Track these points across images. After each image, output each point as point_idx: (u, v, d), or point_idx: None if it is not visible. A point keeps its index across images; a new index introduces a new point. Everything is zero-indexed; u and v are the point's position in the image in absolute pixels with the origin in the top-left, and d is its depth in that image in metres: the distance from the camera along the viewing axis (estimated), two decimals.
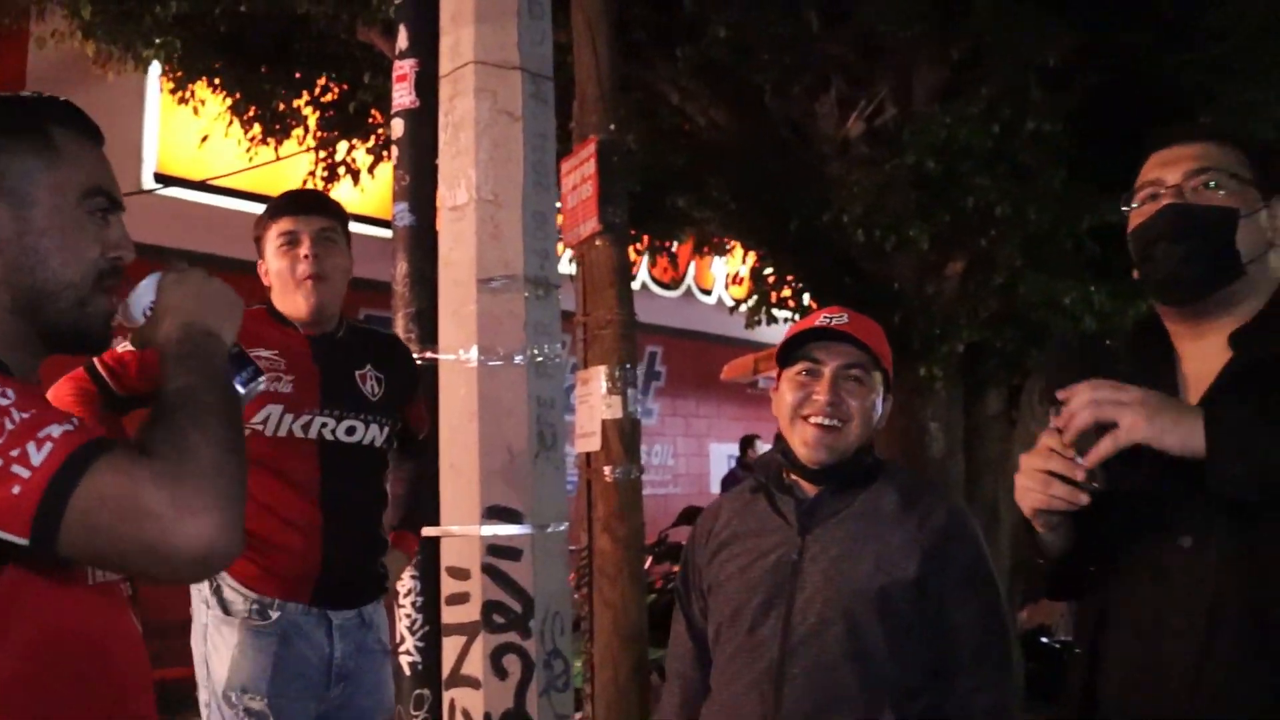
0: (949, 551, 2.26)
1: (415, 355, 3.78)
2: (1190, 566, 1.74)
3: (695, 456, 15.22)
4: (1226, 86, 6.75)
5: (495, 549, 3.70)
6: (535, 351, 3.85)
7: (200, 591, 2.91)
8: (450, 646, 3.73)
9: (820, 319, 2.34)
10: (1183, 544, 1.75)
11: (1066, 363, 1.87)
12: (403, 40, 4.17)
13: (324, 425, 2.96)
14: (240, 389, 1.65)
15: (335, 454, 2.97)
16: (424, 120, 4.13)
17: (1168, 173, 1.86)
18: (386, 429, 3.12)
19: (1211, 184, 1.83)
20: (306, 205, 3.07)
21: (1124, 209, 1.95)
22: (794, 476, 2.37)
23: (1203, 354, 1.84)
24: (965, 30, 6.13)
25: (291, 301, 2.99)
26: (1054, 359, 1.85)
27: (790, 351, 2.35)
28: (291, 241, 2.98)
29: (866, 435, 2.33)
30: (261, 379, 1.72)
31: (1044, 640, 7.77)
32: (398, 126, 4.18)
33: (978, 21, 6.00)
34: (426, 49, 4.14)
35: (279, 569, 2.88)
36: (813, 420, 2.28)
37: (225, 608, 2.87)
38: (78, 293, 1.51)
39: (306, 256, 2.96)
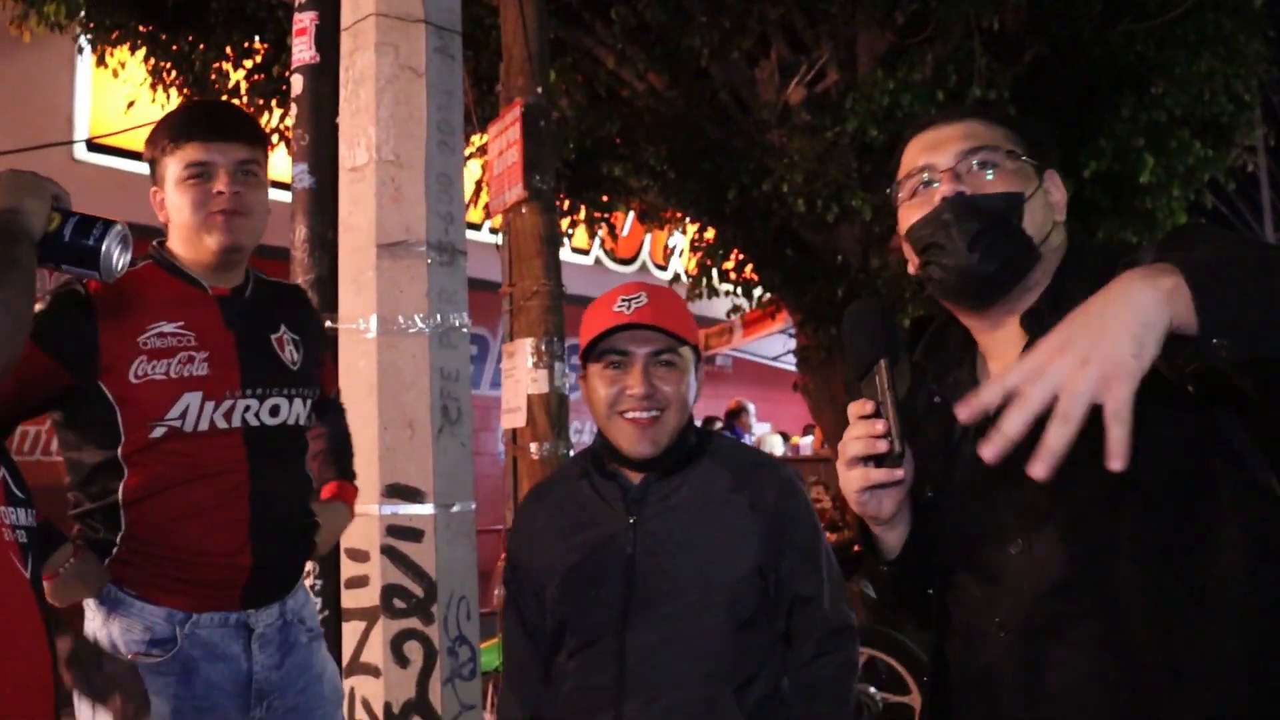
0: (787, 533, 2.23)
1: None
2: (1017, 572, 1.61)
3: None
4: (1177, 57, 6.63)
5: (395, 530, 3.50)
6: (439, 320, 3.65)
7: (93, 617, 2.38)
8: (349, 633, 3.54)
9: (618, 304, 2.22)
10: (1011, 550, 1.62)
11: (866, 332, 1.64)
12: None
13: (247, 409, 2.41)
14: (100, 245, 1.74)
15: (260, 440, 2.43)
16: (325, 76, 3.90)
17: (938, 156, 1.66)
18: (309, 402, 2.57)
19: (988, 165, 1.64)
20: (223, 129, 2.42)
21: (893, 200, 1.75)
22: (614, 464, 2.29)
23: (1003, 346, 1.68)
24: None
25: (196, 243, 2.39)
26: (852, 333, 1.64)
27: (592, 346, 2.24)
28: (203, 174, 2.37)
29: (685, 416, 2.27)
30: (116, 225, 1.74)
31: None
32: (297, 83, 3.95)
33: None
34: (327, 2, 3.91)
35: (199, 577, 2.36)
36: (629, 415, 2.21)
37: (112, 643, 2.35)
38: None
39: (221, 193, 2.36)
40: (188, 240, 2.40)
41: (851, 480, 1.62)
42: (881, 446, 1.57)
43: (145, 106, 7.96)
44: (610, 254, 14.73)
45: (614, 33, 6.38)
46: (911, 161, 1.72)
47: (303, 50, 3.93)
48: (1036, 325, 1.59)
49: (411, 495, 3.53)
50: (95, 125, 9.68)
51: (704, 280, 7.47)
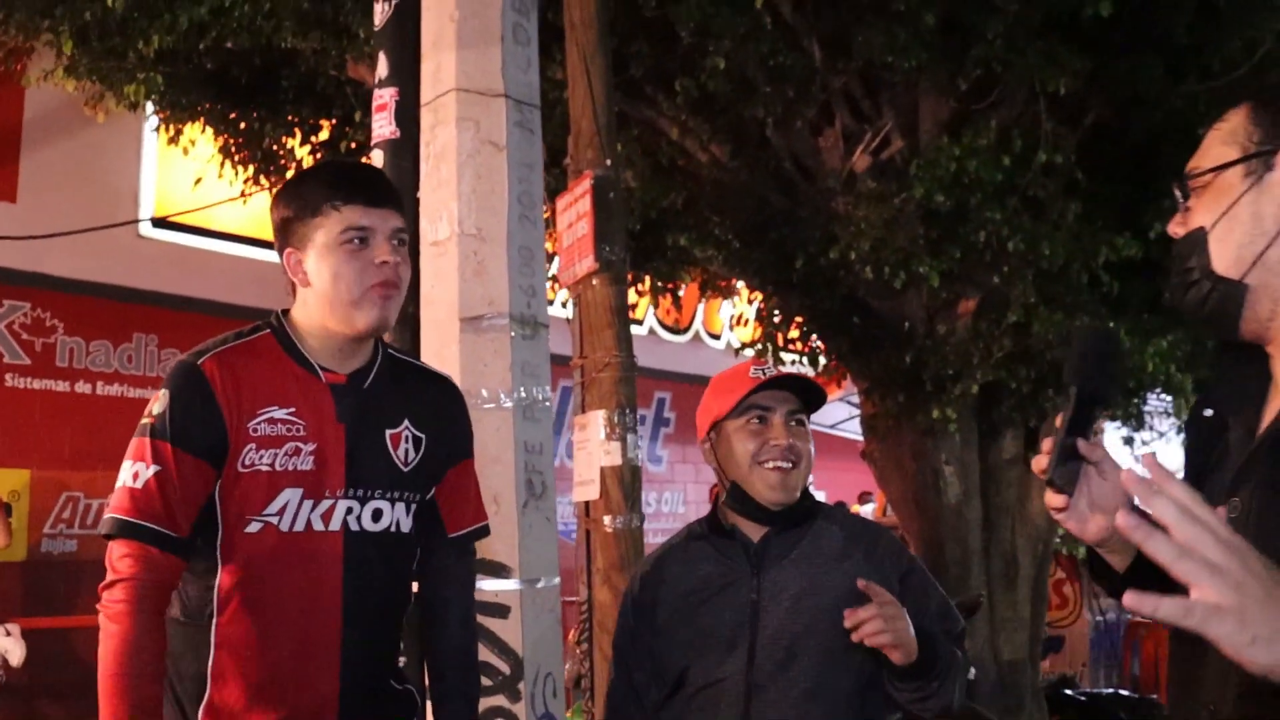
0: (906, 576, 2.45)
1: None
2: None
3: (705, 504, 14.92)
4: None
5: (482, 606, 3.45)
6: (523, 394, 3.64)
7: None
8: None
9: (753, 370, 2.48)
10: None
11: (1074, 354, 1.58)
12: (382, 68, 3.96)
13: (348, 511, 2.24)
14: None
15: (360, 546, 2.26)
16: (404, 151, 3.92)
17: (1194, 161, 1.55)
18: (415, 506, 2.36)
19: (1192, 193, 1.54)
20: (382, 193, 2.27)
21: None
22: (734, 520, 2.50)
23: None
24: (972, 59, 5.93)
25: (341, 316, 2.20)
26: (1079, 349, 1.59)
27: (738, 403, 2.47)
28: (363, 240, 2.18)
29: (810, 473, 2.50)
30: None
31: (1067, 692, 7.47)
32: (377, 158, 3.97)
33: (986, 50, 5.81)
34: (407, 76, 3.94)
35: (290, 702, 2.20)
36: (771, 465, 2.42)
37: None
38: None
39: (385, 263, 2.18)
40: (331, 311, 2.22)
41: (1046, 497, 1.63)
42: (1042, 464, 1.58)
43: (211, 183, 8.10)
44: (662, 323, 14.77)
45: (677, 104, 6.41)
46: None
47: (383, 125, 3.95)
48: None
49: (497, 570, 3.50)
50: (160, 202, 9.87)
51: (768, 349, 7.42)
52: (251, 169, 7.61)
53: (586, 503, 5.15)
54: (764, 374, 2.47)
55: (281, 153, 7.43)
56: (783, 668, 2.34)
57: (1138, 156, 6.64)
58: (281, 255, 2.27)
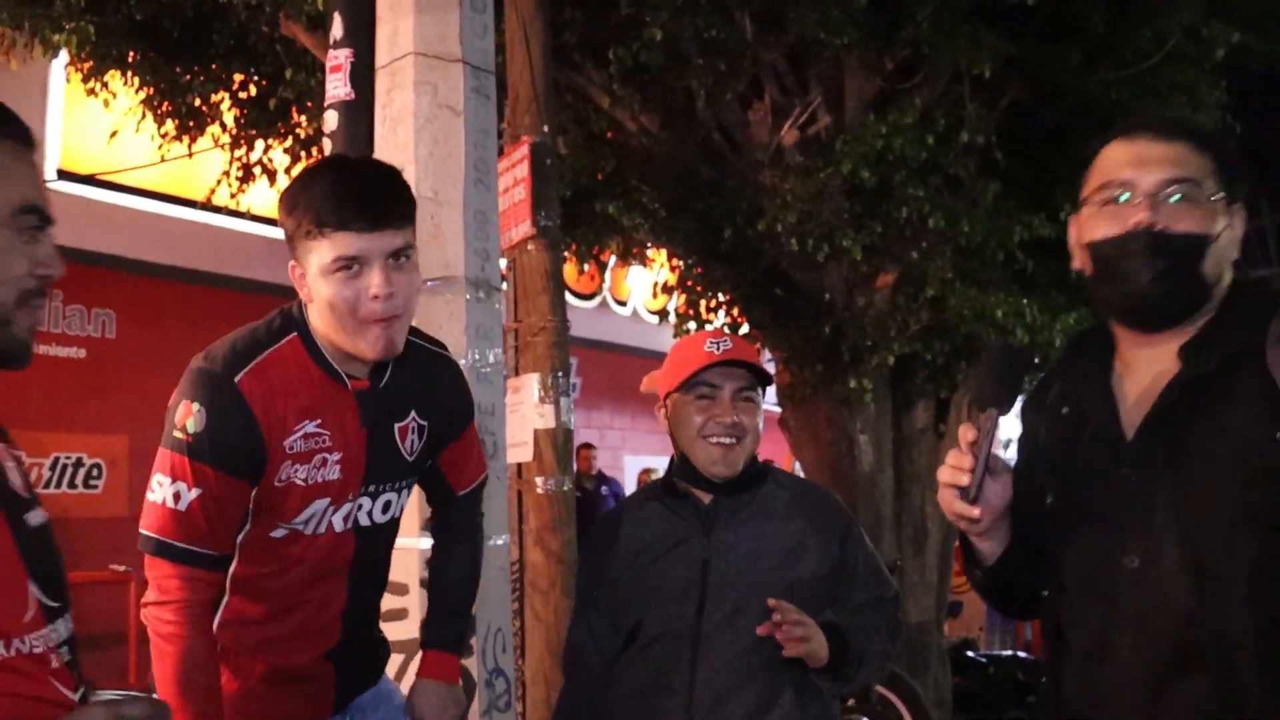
0: (844, 541, 2.58)
1: None
2: (1135, 589, 1.69)
3: (610, 469, 15.02)
4: (1149, 103, 6.84)
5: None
6: (476, 356, 3.70)
7: None
8: (389, 665, 3.55)
9: (708, 344, 2.58)
10: (1127, 564, 1.70)
11: (992, 374, 1.81)
12: (337, 29, 3.97)
13: (360, 508, 2.28)
14: None
15: (369, 537, 2.33)
16: (359, 113, 3.94)
17: (1141, 176, 1.74)
18: (410, 488, 2.44)
19: (1186, 200, 1.73)
20: (379, 214, 2.08)
21: (1082, 202, 1.86)
22: (686, 485, 2.62)
23: (1148, 363, 1.78)
24: (900, 39, 6.10)
25: (350, 343, 2.13)
26: (982, 368, 1.80)
27: (686, 379, 2.56)
28: (356, 269, 2.07)
29: (756, 446, 2.61)
30: None
31: (969, 654, 7.77)
32: (331, 119, 3.98)
33: (914, 31, 5.98)
34: (362, 38, 3.96)
35: (291, 668, 2.32)
36: (714, 440, 2.54)
37: None
38: (1, 312, 1.45)
39: (378, 296, 2.07)
40: (338, 332, 2.14)
41: (943, 498, 1.82)
42: (963, 480, 1.76)
43: (127, 137, 7.94)
44: (570, 289, 14.81)
45: (609, 73, 6.47)
46: (1113, 171, 1.79)
47: (337, 87, 3.96)
48: (1194, 357, 1.70)
49: None
50: (67, 154, 9.61)
51: (690, 319, 7.55)
52: (173, 125, 7.48)
53: (519, 465, 5.23)
54: (717, 349, 2.54)
55: (205, 108, 7.31)
56: (730, 621, 2.46)
57: (1053, 140, 6.89)
58: (290, 262, 2.20)
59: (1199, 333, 1.74)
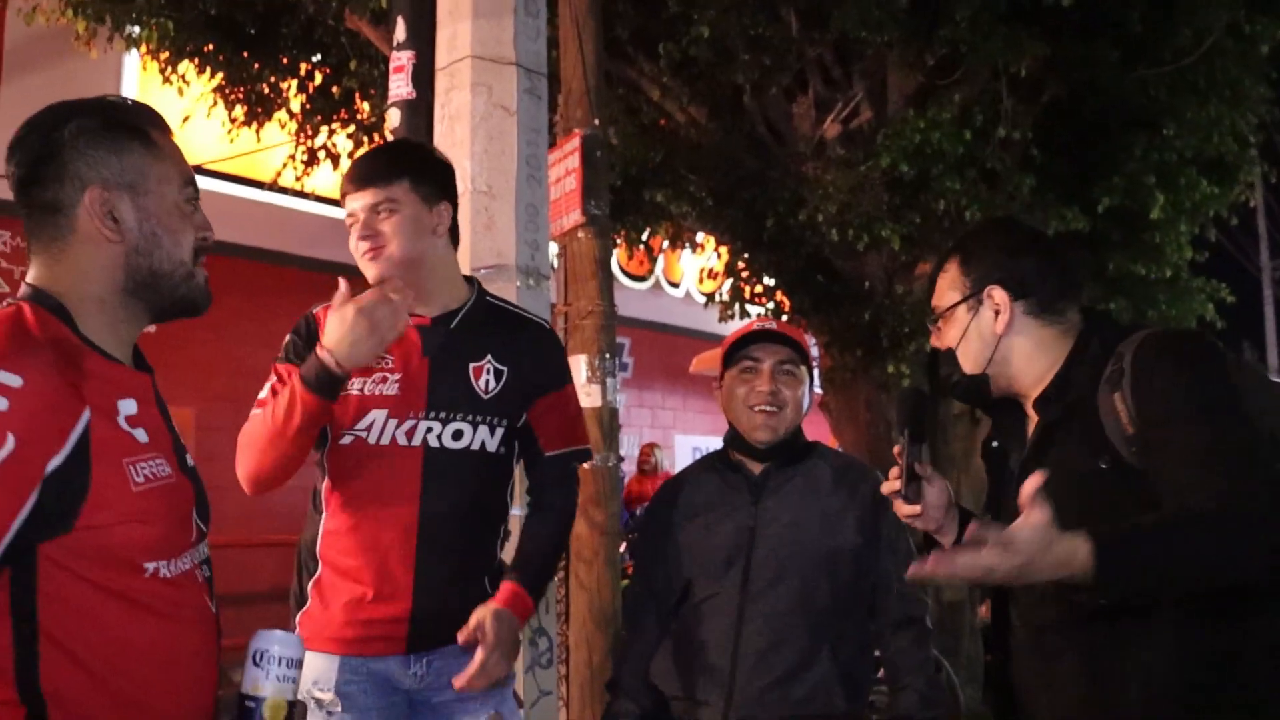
0: (879, 521, 2.78)
1: None
2: (1023, 594, 2.09)
3: (661, 448, 15.32)
4: (1188, 101, 6.97)
5: None
6: None
7: None
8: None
9: (755, 325, 2.86)
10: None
11: (900, 409, 2.21)
12: (400, 32, 4.27)
13: (429, 430, 2.55)
14: None
15: (440, 461, 2.56)
16: (419, 111, 4.24)
17: (932, 304, 2.26)
18: (501, 430, 2.63)
19: (940, 322, 2.22)
20: (361, 179, 2.59)
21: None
22: (739, 456, 2.88)
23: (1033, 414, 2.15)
24: (940, 38, 6.30)
25: (369, 277, 2.60)
26: (901, 407, 2.23)
27: (733, 353, 2.87)
28: (352, 223, 2.58)
29: (798, 419, 2.87)
30: None
31: None
32: (394, 117, 4.28)
33: (953, 31, 6.18)
34: (424, 41, 4.25)
35: (365, 610, 2.52)
36: (757, 408, 2.81)
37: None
38: (186, 268, 1.76)
39: (360, 237, 2.56)
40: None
41: (896, 507, 2.20)
42: (895, 486, 2.16)
43: (199, 122, 8.31)
44: (624, 270, 15.05)
45: (659, 67, 6.72)
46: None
47: (400, 86, 4.26)
48: (1044, 408, 2.07)
49: None
50: None
51: (737, 302, 7.80)
52: (242, 111, 7.83)
53: None
54: (759, 326, 2.86)
55: (273, 95, 7.66)
56: (772, 585, 2.71)
57: (1089, 136, 7.06)
58: None
59: (1047, 386, 2.08)
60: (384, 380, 2.56)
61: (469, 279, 2.77)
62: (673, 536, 2.87)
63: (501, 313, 2.76)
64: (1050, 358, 2.08)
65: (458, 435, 2.58)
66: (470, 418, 2.59)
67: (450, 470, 2.57)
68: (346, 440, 2.55)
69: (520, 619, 2.54)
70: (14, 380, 1.47)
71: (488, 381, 2.63)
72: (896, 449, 2.17)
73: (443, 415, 2.57)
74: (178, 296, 1.76)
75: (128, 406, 1.63)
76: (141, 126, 1.73)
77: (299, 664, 1.74)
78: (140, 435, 1.64)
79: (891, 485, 2.17)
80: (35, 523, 1.48)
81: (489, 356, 2.64)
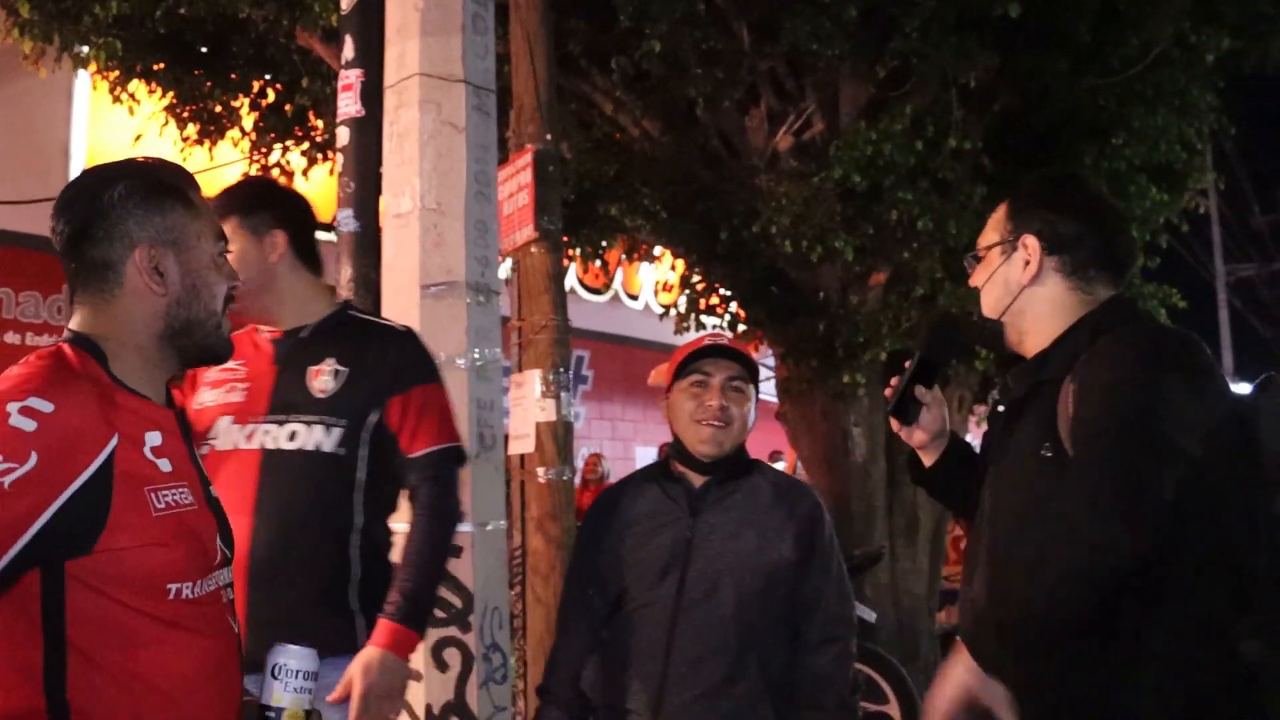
0: (814, 541, 2.83)
1: None
2: (975, 562, 2.16)
3: (621, 460, 15.29)
4: (1136, 110, 7.06)
5: None
6: (476, 355, 3.99)
7: None
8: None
9: (707, 340, 2.90)
10: (975, 543, 2.20)
11: (930, 328, 2.32)
12: (348, 50, 4.27)
13: (266, 433, 2.64)
14: None
15: (275, 462, 2.61)
16: (368, 129, 4.23)
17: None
18: (339, 430, 2.63)
19: (973, 262, 2.36)
20: (218, 206, 2.60)
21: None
22: (682, 469, 2.91)
23: None
24: (891, 50, 6.36)
25: None
26: (927, 328, 2.36)
27: (684, 367, 2.88)
28: None
29: (743, 435, 2.90)
30: None
31: None
32: (343, 135, 4.28)
33: (903, 42, 6.23)
34: (372, 59, 4.25)
35: None
36: (705, 422, 2.83)
37: None
38: (216, 319, 1.92)
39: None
40: None
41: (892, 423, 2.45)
42: (888, 394, 2.39)
43: (151, 140, 8.26)
44: (583, 283, 15.07)
45: (612, 81, 6.73)
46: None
47: (349, 104, 4.26)
48: (1011, 384, 2.17)
49: None
50: (91, 157, 9.94)
51: (693, 314, 7.83)
52: (194, 129, 7.79)
53: (521, 455, 5.50)
54: (711, 341, 2.89)
55: (225, 114, 7.62)
56: (707, 596, 2.73)
57: (1040, 145, 7.13)
58: None
59: (1026, 363, 2.16)
60: (233, 389, 2.73)
61: (346, 302, 2.97)
62: (609, 545, 2.89)
63: (361, 324, 2.87)
64: (1060, 326, 2.12)
65: (293, 436, 2.67)
66: (305, 419, 2.68)
67: (284, 470, 2.63)
68: (203, 452, 2.60)
69: (400, 653, 2.55)
70: (46, 406, 1.62)
71: (325, 382, 2.71)
72: (906, 366, 2.33)
73: (279, 418, 2.69)
74: (207, 345, 1.92)
75: (154, 438, 1.77)
76: (180, 187, 1.89)
77: (314, 676, 1.92)
78: (164, 465, 1.76)
79: (888, 393, 2.40)
80: (56, 541, 1.60)
81: (330, 360, 2.73)
